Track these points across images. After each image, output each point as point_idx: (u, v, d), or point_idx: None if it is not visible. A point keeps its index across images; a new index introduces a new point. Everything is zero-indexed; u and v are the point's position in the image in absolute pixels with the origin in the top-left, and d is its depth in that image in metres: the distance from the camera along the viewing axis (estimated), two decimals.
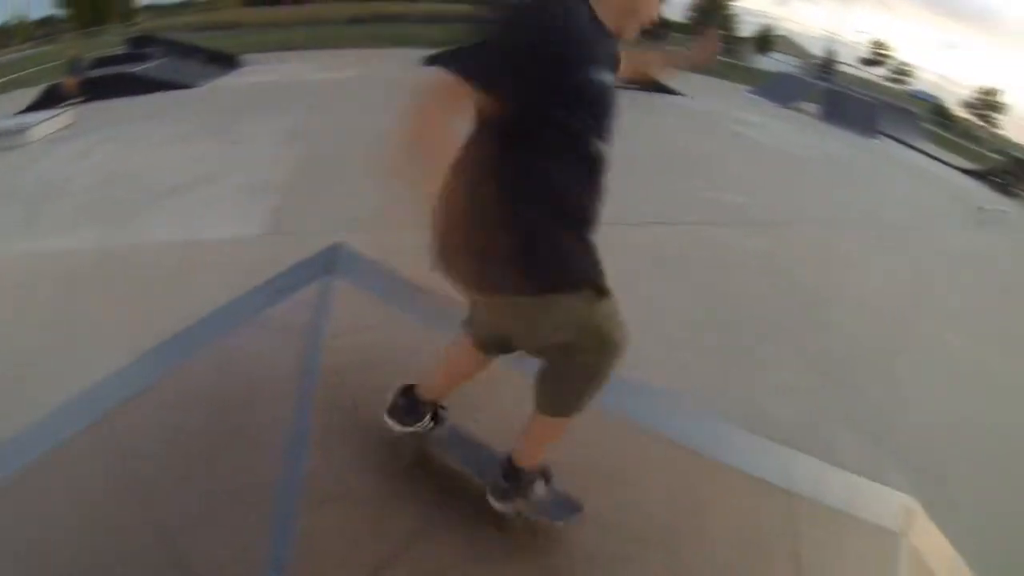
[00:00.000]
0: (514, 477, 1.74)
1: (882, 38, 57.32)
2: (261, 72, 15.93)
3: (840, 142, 14.81)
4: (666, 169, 8.68)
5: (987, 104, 50.92)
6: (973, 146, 25.63)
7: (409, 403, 2.01)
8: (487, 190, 1.28)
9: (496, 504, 1.79)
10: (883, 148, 16.24)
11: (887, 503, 2.50)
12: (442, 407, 2.06)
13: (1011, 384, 5.25)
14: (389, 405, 2.04)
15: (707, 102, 16.13)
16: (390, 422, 2.03)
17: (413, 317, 2.84)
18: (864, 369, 4.83)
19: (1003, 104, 51.10)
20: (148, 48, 17.73)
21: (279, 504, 1.86)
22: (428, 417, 2.02)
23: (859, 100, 19.16)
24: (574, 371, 1.51)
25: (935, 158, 17.45)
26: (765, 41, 50.14)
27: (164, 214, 5.91)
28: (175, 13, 35.61)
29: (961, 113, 46.41)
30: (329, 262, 3.07)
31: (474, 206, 1.28)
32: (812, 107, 18.72)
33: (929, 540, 2.45)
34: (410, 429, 2.02)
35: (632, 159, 7.10)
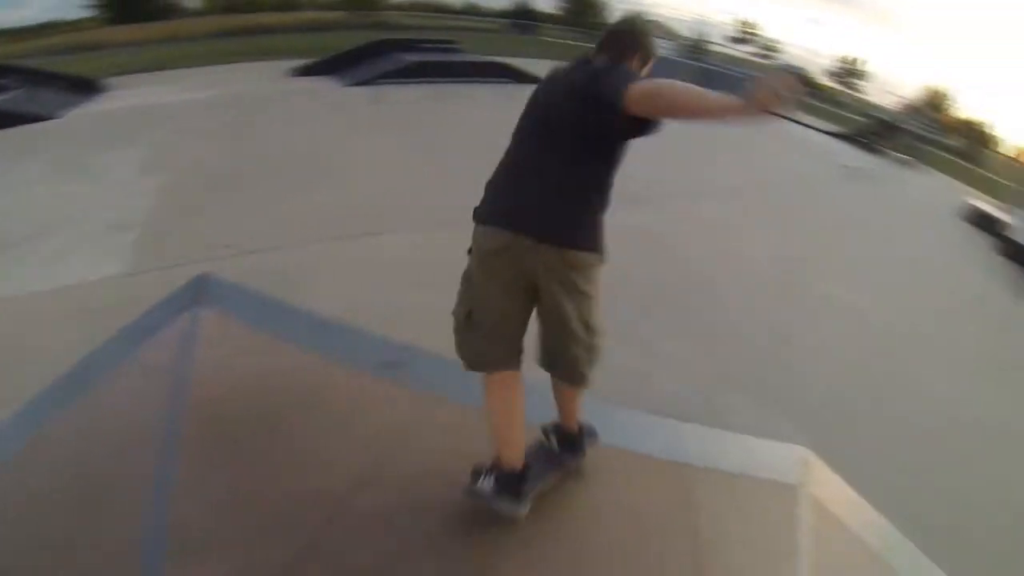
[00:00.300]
0: (578, 435, 2.25)
1: (749, 18, 59.97)
2: (124, 97, 14.87)
3: None
4: None
5: (850, 72, 54.23)
6: (839, 111, 27.40)
7: (513, 479, 1.97)
8: (603, 178, 1.87)
9: (582, 457, 2.26)
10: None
11: (783, 458, 2.56)
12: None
13: (887, 327, 5.63)
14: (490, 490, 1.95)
15: None
16: (505, 506, 1.93)
17: (283, 339, 2.74)
18: (750, 331, 5.02)
19: (865, 72, 54.67)
20: (2, 79, 16.25)
21: (145, 569, 1.69)
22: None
23: (730, 76, 20.15)
24: (585, 333, 1.95)
25: (805, 125, 18.56)
26: None
27: (22, 262, 5.40)
28: (34, 36, 32.36)
29: (826, 82, 49.43)
30: (196, 293, 2.88)
31: (591, 188, 1.85)
32: None
33: (829, 487, 2.53)
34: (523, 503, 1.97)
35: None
